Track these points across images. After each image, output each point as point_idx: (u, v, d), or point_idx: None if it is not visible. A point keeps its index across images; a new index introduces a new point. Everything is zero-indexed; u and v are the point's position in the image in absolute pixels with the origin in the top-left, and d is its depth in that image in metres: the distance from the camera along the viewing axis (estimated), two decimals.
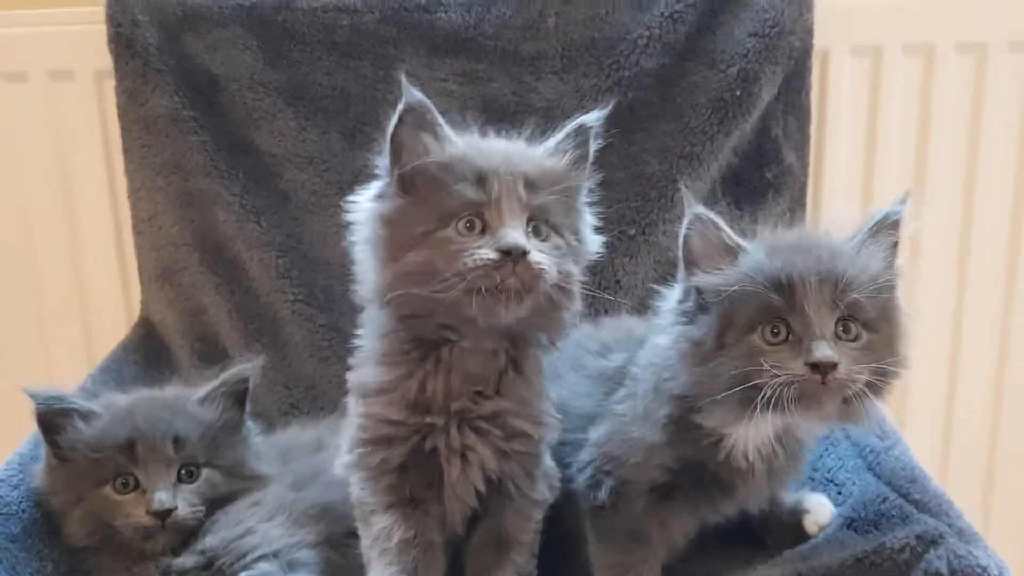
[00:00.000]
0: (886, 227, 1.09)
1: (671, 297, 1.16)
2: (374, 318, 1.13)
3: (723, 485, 1.18)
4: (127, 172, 1.79)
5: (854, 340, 1.03)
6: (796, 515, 1.30)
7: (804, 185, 1.78)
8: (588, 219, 1.15)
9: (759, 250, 1.08)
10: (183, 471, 1.26)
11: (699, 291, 1.10)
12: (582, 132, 1.12)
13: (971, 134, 1.84)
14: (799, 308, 1.02)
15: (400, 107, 1.05)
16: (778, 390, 1.00)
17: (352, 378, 1.16)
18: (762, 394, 1.00)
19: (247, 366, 1.36)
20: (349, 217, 1.11)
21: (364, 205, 1.09)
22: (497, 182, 1.03)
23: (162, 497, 1.22)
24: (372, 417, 1.11)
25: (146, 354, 1.76)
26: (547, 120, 1.67)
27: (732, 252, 1.08)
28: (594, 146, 1.13)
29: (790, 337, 1.03)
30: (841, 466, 1.35)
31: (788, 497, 1.34)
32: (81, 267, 1.94)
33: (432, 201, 1.03)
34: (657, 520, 1.22)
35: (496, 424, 1.11)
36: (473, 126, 1.12)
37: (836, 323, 1.03)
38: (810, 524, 1.27)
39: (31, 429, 1.42)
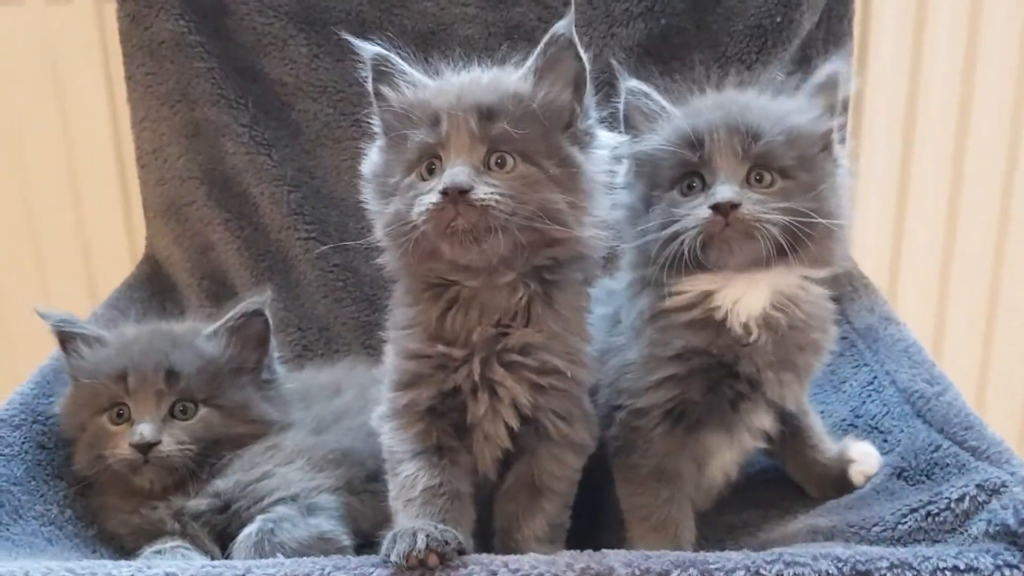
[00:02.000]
0: (827, 87, 1.14)
1: (620, 172, 1.18)
2: (389, 261, 1.10)
3: (735, 374, 1.12)
4: (130, 101, 1.70)
5: (769, 186, 1.08)
6: (841, 465, 1.23)
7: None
8: (596, 139, 1.06)
9: (680, 113, 1.12)
10: (178, 406, 1.21)
11: (632, 157, 1.16)
12: (553, 43, 1.02)
13: (1020, 65, 1.74)
14: (709, 160, 1.08)
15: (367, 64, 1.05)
16: (689, 235, 1.05)
17: (388, 322, 1.13)
18: (680, 243, 1.06)
19: (254, 299, 1.28)
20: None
21: (368, 158, 1.11)
22: (447, 119, 1.00)
23: (144, 430, 1.17)
24: (400, 353, 1.08)
25: (152, 292, 1.69)
26: None
27: (660, 116, 1.14)
28: (584, 57, 1.03)
29: (705, 188, 1.08)
30: (887, 413, 1.28)
31: (831, 446, 1.27)
32: (82, 201, 1.87)
33: (401, 152, 1.03)
34: (684, 451, 1.16)
35: (527, 357, 1.05)
36: (458, 63, 1.09)
37: (749, 172, 1.08)
38: (856, 474, 1.21)
39: (33, 368, 1.37)
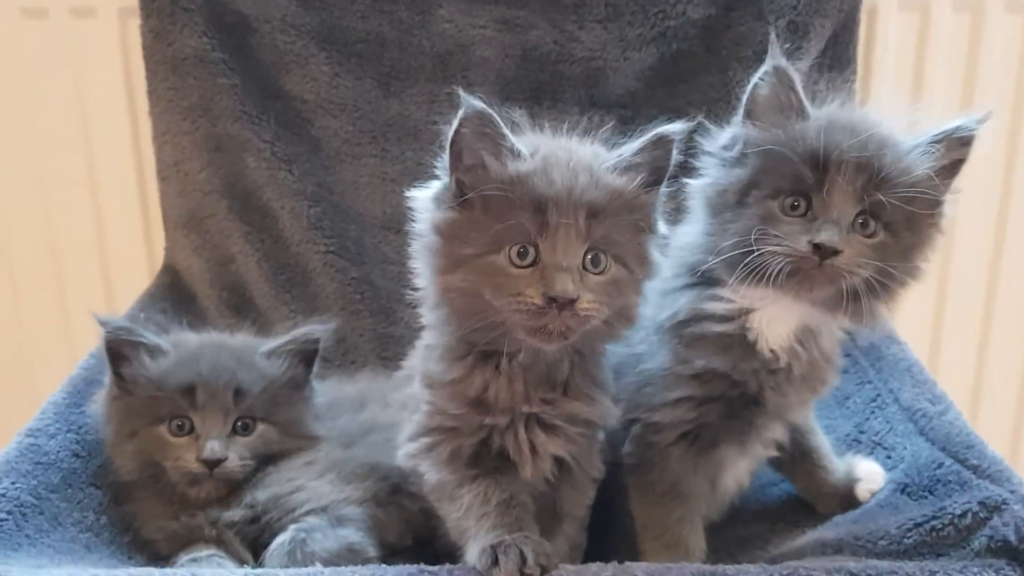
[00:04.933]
0: (953, 141, 1.05)
1: (717, 140, 1.12)
2: (432, 311, 1.09)
3: (751, 397, 1.13)
4: (152, 115, 1.73)
5: (869, 237, 1.03)
6: (848, 483, 1.28)
7: None
8: (660, 233, 1.06)
9: (818, 119, 1.05)
10: (239, 423, 1.24)
11: (746, 142, 1.08)
12: (661, 144, 1.01)
13: (1017, 95, 1.80)
14: (825, 188, 1.02)
15: (459, 115, 0.97)
16: (777, 259, 1.01)
17: (417, 364, 1.14)
18: (762, 261, 1.01)
19: (320, 327, 1.33)
20: (411, 207, 1.06)
21: (423, 203, 1.04)
22: (556, 212, 0.96)
23: (214, 446, 1.20)
24: (437, 411, 1.09)
25: (173, 303, 1.71)
26: (589, 72, 1.68)
27: (794, 113, 1.06)
28: (674, 159, 1.03)
29: (808, 214, 1.03)
30: (890, 430, 1.33)
31: (838, 465, 1.31)
32: (102, 211, 1.90)
33: (486, 223, 0.97)
34: (698, 472, 1.19)
35: (568, 421, 1.09)
36: (538, 125, 1.05)
37: (857, 214, 1.02)
38: (863, 492, 1.26)
39: (64, 376, 1.40)
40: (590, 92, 1.69)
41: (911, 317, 1.90)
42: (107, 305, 1.91)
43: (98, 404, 1.28)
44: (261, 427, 1.26)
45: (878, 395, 1.40)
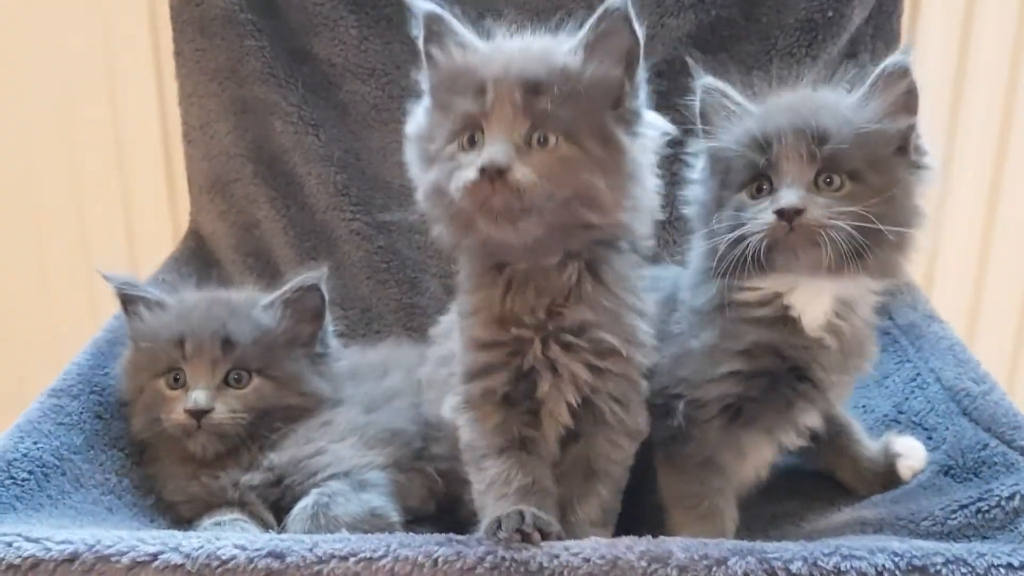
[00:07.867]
0: (890, 78, 1.08)
1: (697, 167, 1.19)
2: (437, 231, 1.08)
3: (799, 370, 1.12)
4: (178, 76, 1.71)
5: (838, 189, 1.06)
6: (887, 460, 1.24)
7: None
8: (642, 120, 1.03)
9: (755, 112, 1.12)
10: (232, 375, 1.23)
11: (705, 156, 1.16)
12: (606, 17, 0.98)
13: None
14: (776, 163, 1.07)
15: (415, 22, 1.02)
16: (754, 239, 1.04)
17: (453, 312, 1.15)
18: (744, 245, 1.05)
19: (311, 274, 1.30)
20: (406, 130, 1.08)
21: (414, 118, 1.07)
22: (493, 90, 0.96)
23: (198, 396, 1.19)
24: (468, 344, 1.08)
25: (198, 267, 1.69)
26: None
27: (737, 115, 1.12)
28: (639, 32, 0.99)
29: (773, 192, 1.07)
30: (931, 409, 1.29)
31: (872, 443, 1.28)
32: (127, 174, 1.88)
33: (443, 119, 1.01)
34: (733, 446, 1.17)
35: (582, 337, 1.05)
36: (499, 26, 1.04)
37: (817, 174, 1.06)
38: (904, 468, 1.22)
39: (88, 338, 1.39)
40: None
41: (950, 295, 1.86)
42: (132, 269, 1.88)
43: (119, 364, 1.30)
44: (256, 380, 1.24)
45: (918, 374, 1.37)
